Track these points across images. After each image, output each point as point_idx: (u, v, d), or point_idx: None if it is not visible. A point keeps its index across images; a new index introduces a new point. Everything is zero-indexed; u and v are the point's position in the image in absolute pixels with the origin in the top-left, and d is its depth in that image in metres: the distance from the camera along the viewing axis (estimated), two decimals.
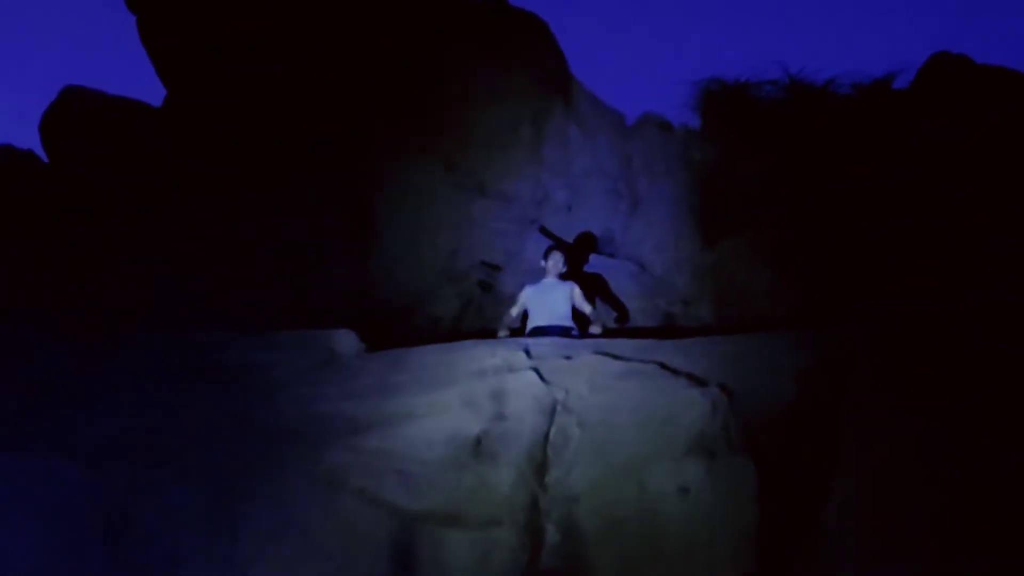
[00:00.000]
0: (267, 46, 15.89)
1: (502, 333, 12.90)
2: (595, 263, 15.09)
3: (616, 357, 11.08)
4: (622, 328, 13.80)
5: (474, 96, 16.10)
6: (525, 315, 13.40)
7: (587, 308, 13.38)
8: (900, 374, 10.38)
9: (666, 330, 13.40)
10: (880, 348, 10.69)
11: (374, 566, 9.42)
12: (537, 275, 13.89)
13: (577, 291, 13.38)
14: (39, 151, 15.85)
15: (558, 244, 14.70)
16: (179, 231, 14.16)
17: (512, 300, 13.68)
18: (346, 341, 11.86)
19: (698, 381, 10.50)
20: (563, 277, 13.64)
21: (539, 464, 10.00)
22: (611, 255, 15.34)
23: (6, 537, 9.55)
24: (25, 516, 9.69)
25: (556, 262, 13.66)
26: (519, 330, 13.16)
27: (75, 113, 16.22)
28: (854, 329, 11.06)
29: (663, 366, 10.84)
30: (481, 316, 13.68)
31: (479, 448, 10.03)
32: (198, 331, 11.74)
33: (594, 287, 14.35)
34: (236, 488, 9.76)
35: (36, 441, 10.22)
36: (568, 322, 13.08)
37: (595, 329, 12.92)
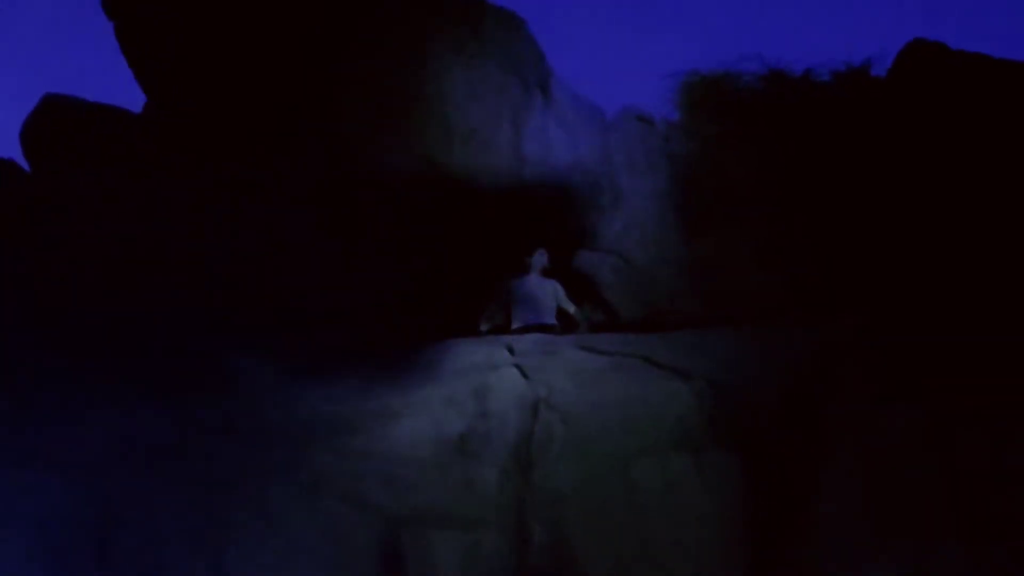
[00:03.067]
0: (245, 49, 15.81)
1: (483, 328, 12.86)
2: (578, 258, 15.03)
3: (600, 352, 11.06)
4: (606, 323, 13.75)
5: (453, 94, 16.04)
6: (509, 312, 13.35)
7: (571, 307, 13.33)
8: (887, 366, 10.38)
9: (650, 324, 13.33)
10: (867, 340, 10.69)
11: (362, 569, 9.40)
12: (521, 270, 13.82)
13: (561, 289, 13.34)
14: (20, 160, 15.76)
15: (542, 241, 14.62)
16: (162, 236, 14.07)
17: (494, 295, 13.61)
18: (327, 343, 11.81)
19: (683, 375, 10.49)
20: (546, 273, 13.60)
21: (524, 462, 9.97)
22: (594, 249, 15.28)
23: (2, 551, 9.53)
24: (15, 529, 9.65)
25: (539, 259, 13.61)
26: (502, 327, 13.11)
27: (56, 121, 16.10)
28: (841, 321, 11.05)
29: (647, 360, 10.81)
30: (464, 312, 13.58)
31: (463, 447, 10.01)
32: (182, 338, 11.67)
33: (577, 284, 14.30)
34: (222, 495, 9.72)
35: (24, 454, 10.16)
36: (551, 319, 13.03)
37: (582, 326, 12.90)
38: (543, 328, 12.67)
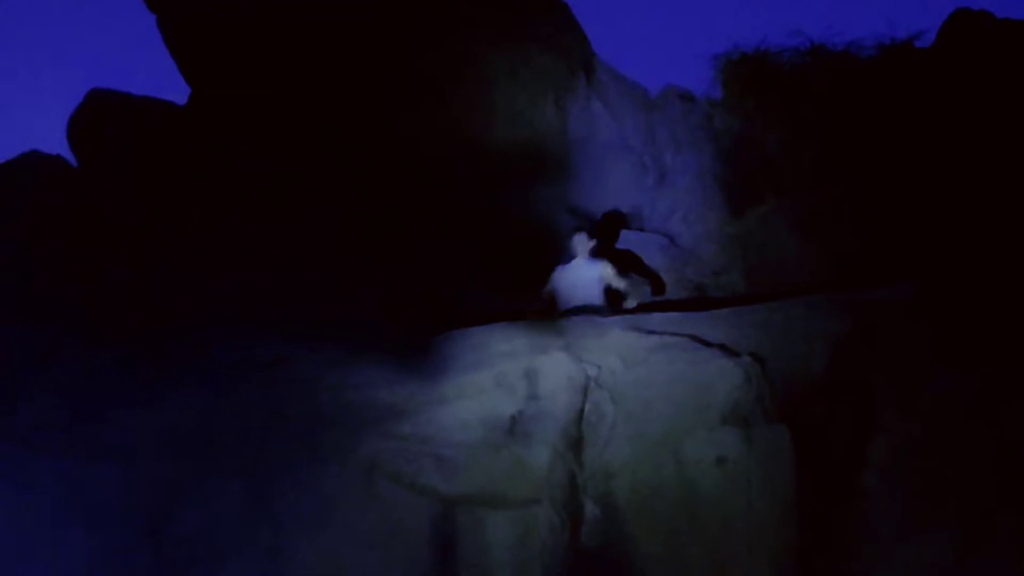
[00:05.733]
0: (287, 39, 15.92)
1: (532, 313, 12.89)
2: (624, 238, 15.04)
3: (648, 331, 11.06)
4: (655, 302, 13.75)
5: (495, 78, 16.07)
6: (557, 295, 13.38)
7: (621, 284, 13.34)
8: (934, 337, 10.35)
9: (697, 302, 13.34)
10: (914, 310, 10.66)
11: (416, 551, 9.49)
12: (567, 256, 13.84)
13: (609, 269, 13.34)
14: (67, 155, 15.95)
15: (586, 223, 14.63)
16: (208, 227, 14.22)
17: (544, 279, 13.64)
18: (377, 328, 11.92)
19: (731, 351, 10.50)
20: (593, 255, 13.61)
21: (575, 442, 10.04)
22: (640, 229, 15.29)
23: (55, 540, 9.72)
24: (72, 520, 9.84)
25: (584, 243, 13.62)
26: (551, 310, 13.14)
27: (101, 116, 16.29)
28: (887, 292, 11.02)
29: (695, 338, 10.82)
30: (514, 295, 13.61)
31: (514, 428, 10.07)
32: (231, 327, 11.81)
33: (626, 263, 14.31)
34: (275, 481, 9.84)
35: (80, 445, 10.33)
36: (599, 301, 13.06)
37: (630, 303, 12.91)
38: (591, 310, 12.71)
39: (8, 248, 14.18)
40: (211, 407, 10.51)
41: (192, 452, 10.16)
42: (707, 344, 10.69)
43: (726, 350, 10.50)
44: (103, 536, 9.75)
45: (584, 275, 13.37)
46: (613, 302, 13.21)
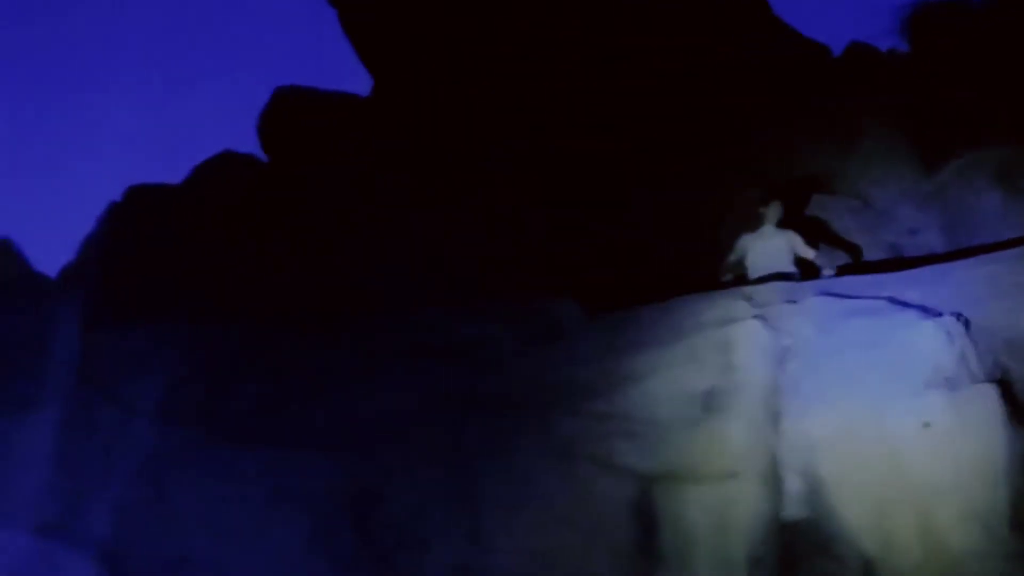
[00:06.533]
0: (463, 26, 16.08)
1: (723, 283, 12.74)
2: (814, 203, 14.74)
3: (843, 296, 10.80)
4: (848, 265, 13.44)
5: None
6: (746, 264, 13.18)
7: (810, 253, 13.07)
8: None
9: (893, 263, 12.99)
10: None
11: (616, 529, 9.49)
12: (755, 224, 13.62)
13: (797, 238, 13.09)
14: (255, 152, 16.41)
15: (775, 190, 14.37)
16: (393, 214, 14.47)
17: (732, 248, 13.46)
18: (566, 307, 11.92)
19: (931, 312, 10.14)
20: (782, 224, 13.36)
21: (773, 413, 9.86)
22: (831, 193, 14.97)
23: (264, 527, 10.04)
24: (281, 506, 10.16)
25: (774, 210, 13.38)
26: (741, 280, 12.96)
27: (289, 112, 16.73)
28: None
29: (892, 300, 10.50)
30: (700, 267, 13.48)
31: (709, 402, 9.96)
32: (426, 311, 11.97)
33: (815, 230, 14.03)
34: (473, 464, 9.96)
35: (286, 435, 10.65)
36: (790, 268, 12.81)
37: (825, 271, 12.66)
38: (782, 277, 12.50)
39: (209, 245, 14.72)
40: (410, 392, 10.70)
41: (394, 437, 10.37)
42: (905, 305, 10.36)
43: (926, 311, 10.14)
44: (311, 523, 10.04)
45: (773, 243, 13.14)
46: (804, 270, 12.95)
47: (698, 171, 14.85)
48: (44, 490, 10.73)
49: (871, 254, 13.93)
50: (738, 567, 9.23)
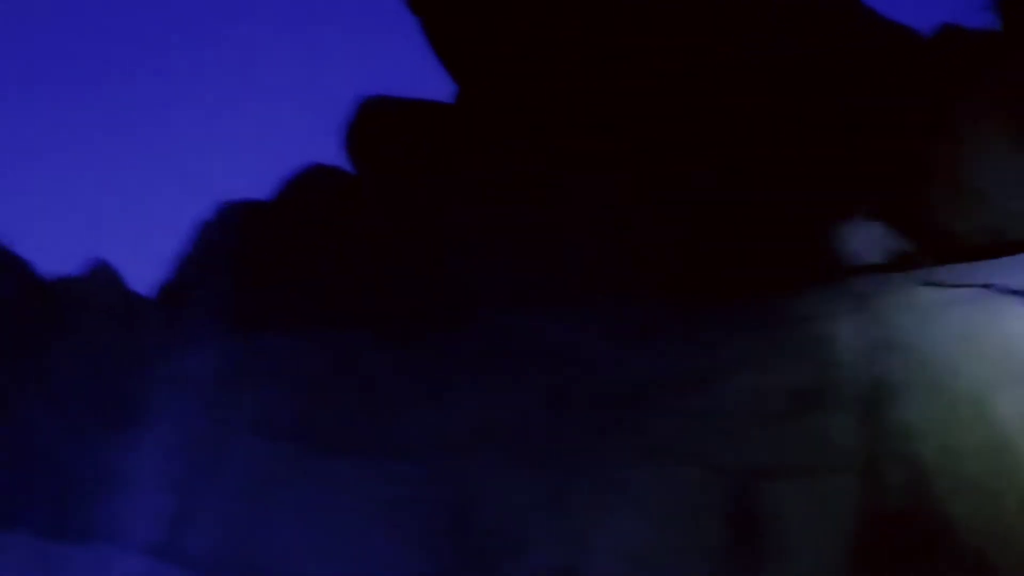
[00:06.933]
0: (544, 28, 16.09)
1: (816, 275, 12.62)
2: (909, 191, 14.54)
3: (942, 285, 10.64)
4: (945, 254, 13.25)
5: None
6: (839, 255, 13.04)
7: (905, 243, 12.88)
8: None
9: (993, 250, 12.76)
10: None
11: (714, 528, 9.42)
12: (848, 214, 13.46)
13: (890, 228, 12.90)
14: (341, 164, 16.52)
15: (868, 180, 14.20)
16: (477, 217, 14.53)
17: (824, 242, 13.31)
18: (657, 305, 11.86)
19: None
20: (875, 214, 13.21)
21: (872, 406, 9.72)
22: (925, 179, 14.74)
23: (359, 536, 10.11)
24: (378, 514, 10.23)
25: (867, 200, 13.23)
26: (834, 272, 12.84)
27: (375, 122, 16.80)
28: None
29: (993, 287, 10.31)
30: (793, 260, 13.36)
31: (806, 396, 9.83)
32: (511, 315, 11.99)
33: (910, 218, 13.83)
34: (566, 466, 9.94)
35: (379, 442, 10.72)
36: (882, 259, 12.62)
37: (922, 260, 12.51)
38: (878, 267, 12.35)
39: (301, 258, 14.88)
40: (499, 396, 10.72)
41: (488, 442, 10.39)
42: (1008, 292, 10.15)
43: None
44: (409, 531, 10.09)
45: (865, 231, 12.98)
46: (899, 260, 12.75)
47: (790, 166, 14.69)
48: (148, 509, 10.91)
49: (971, 240, 13.68)
50: (839, 562, 9.10)
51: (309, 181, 15.85)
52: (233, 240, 14.94)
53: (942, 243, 13.49)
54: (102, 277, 13.06)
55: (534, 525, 9.84)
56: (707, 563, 9.36)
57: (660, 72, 15.43)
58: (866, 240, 12.96)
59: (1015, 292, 10.16)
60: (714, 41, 15.39)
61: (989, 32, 15.37)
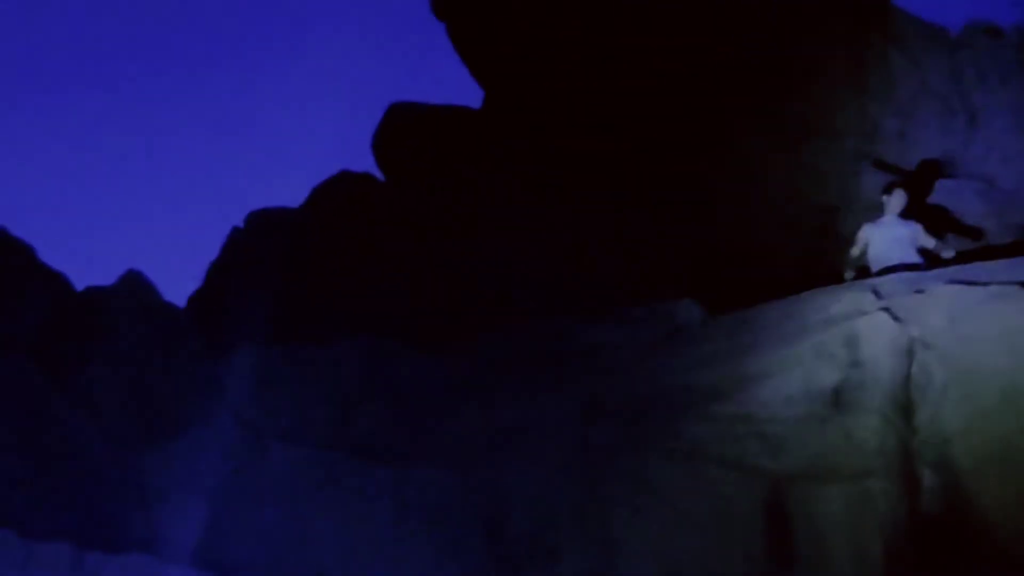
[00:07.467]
0: (568, 32, 16.09)
1: (847, 276, 12.56)
2: (938, 187, 14.45)
3: (973, 283, 10.51)
4: (976, 250, 13.13)
5: (787, 33, 15.74)
6: (868, 256, 12.96)
7: (931, 243, 12.80)
8: None
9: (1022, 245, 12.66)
10: None
11: (749, 532, 9.37)
12: (877, 213, 13.39)
13: (919, 228, 12.83)
14: (371, 171, 16.59)
15: (897, 178, 14.11)
16: (505, 223, 14.56)
17: (853, 241, 13.25)
18: (688, 310, 11.86)
19: None
20: (904, 213, 13.11)
21: (905, 407, 9.66)
22: (953, 177, 14.66)
23: (393, 542, 10.16)
24: (411, 521, 10.28)
25: (897, 199, 13.14)
26: (863, 271, 12.76)
27: (403, 128, 16.88)
28: None
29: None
30: (822, 262, 13.30)
31: (839, 399, 9.76)
32: (542, 321, 12.01)
33: (938, 219, 13.74)
34: (600, 471, 9.93)
35: (411, 448, 10.77)
36: (914, 258, 12.56)
37: (947, 254, 12.40)
38: (906, 267, 12.28)
39: (332, 266, 14.96)
40: (534, 401, 10.73)
41: (520, 448, 10.40)
42: None
43: None
44: (441, 537, 10.13)
45: (896, 233, 12.90)
46: (930, 258, 12.68)
47: (817, 165, 14.67)
48: (185, 517, 10.99)
49: (1000, 237, 13.61)
50: (875, 566, 9.05)
51: (339, 188, 15.96)
52: (265, 249, 15.04)
53: (973, 241, 13.46)
54: (137, 288, 13.14)
55: (566, 531, 9.83)
56: (741, 568, 9.32)
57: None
58: (895, 239, 12.92)
59: None
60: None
61: (1018, 28, 15.33)
